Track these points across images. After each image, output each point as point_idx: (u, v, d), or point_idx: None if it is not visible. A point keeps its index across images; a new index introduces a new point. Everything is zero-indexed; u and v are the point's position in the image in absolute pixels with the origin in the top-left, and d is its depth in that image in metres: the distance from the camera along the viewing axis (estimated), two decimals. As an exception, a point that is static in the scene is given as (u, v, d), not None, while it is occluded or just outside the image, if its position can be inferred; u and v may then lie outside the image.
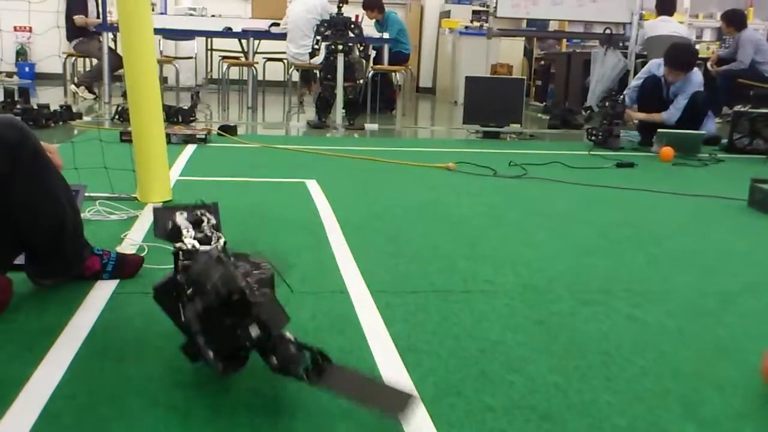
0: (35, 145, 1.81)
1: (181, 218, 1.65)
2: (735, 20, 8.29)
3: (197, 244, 1.55)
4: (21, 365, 1.53)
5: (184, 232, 1.59)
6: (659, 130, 5.53)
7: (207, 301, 1.34)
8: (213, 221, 1.70)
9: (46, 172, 1.84)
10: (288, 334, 1.38)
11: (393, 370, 1.58)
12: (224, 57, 8.62)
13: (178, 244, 1.56)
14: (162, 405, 1.38)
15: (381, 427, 1.34)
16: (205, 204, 1.78)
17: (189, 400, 1.40)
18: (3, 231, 1.83)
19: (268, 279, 1.53)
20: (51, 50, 10.94)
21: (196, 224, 1.66)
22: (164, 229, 1.66)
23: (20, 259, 1.94)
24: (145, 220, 2.81)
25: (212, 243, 1.58)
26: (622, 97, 5.85)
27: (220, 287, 1.33)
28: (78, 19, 8.11)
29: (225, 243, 1.63)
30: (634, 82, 6.17)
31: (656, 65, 5.92)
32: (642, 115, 5.85)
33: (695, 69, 5.75)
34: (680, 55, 5.70)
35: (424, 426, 1.35)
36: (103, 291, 1.99)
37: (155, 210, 1.71)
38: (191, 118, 6.05)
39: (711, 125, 6.04)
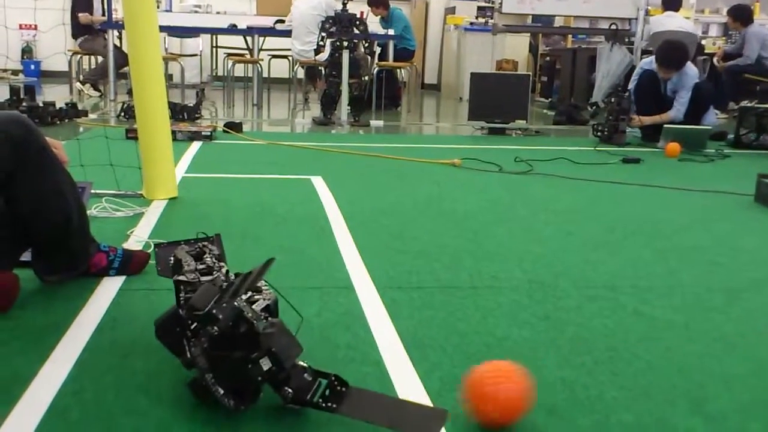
0: (41, 142, 1.81)
1: (181, 252, 1.63)
2: (741, 15, 8.27)
3: (199, 276, 1.51)
4: (28, 361, 1.53)
5: (185, 265, 1.56)
6: (665, 125, 5.51)
7: (213, 335, 1.29)
8: (216, 252, 1.68)
9: (52, 168, 1.84)
10: (301, 363, 1.34)
11: (399, 365, 1.58)
12: (229, 54, 8.63)
13: (178, 277, 1.53)
14: (168, 401, 1.38)
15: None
16: (207, 236, 1.77)
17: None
18: (9, 227, 1.84)
19: (273, 305, 1.48)
20: (56, 48, 10.97)
21: (198, 257, 1.63)
22: (166, 265, 1.64)
23: (26, 256, 1.94)
24: (151, 216, 2.81)
25: (215, 273, 1.54)
26: (627, 93, 5.83)
27: (226, 319, 1.29)
28: (83, 17, 8.12)
29: (227, 272, 1.60)
30: (631, 85, 6.07)
31: (647, 62, 5.90)
32: (650, 119, 5.76)
33: (688, 62, 5.72)
34: (672, 53, 5.66)
35: (431, 421, 1.35)
36: (109, 287, 2.00)
37: (156, 250, 1.71)
38: (196, 115, 6.06)
39: (712, 117, 6.02)
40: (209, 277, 1.52)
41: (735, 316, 1.99)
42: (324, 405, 1.30)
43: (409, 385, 1.49)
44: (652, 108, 5.76)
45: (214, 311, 1.30)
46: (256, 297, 1.47)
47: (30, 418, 1.31)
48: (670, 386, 1.54)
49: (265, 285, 1.54)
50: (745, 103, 5.99)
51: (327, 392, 1.32)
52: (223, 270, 1.60)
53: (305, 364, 1.34)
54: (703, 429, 1.37)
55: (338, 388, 1.33)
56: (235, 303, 1.32)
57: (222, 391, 1.30)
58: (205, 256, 1.63)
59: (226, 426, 1.30)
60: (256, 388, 1.33)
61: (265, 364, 1.27)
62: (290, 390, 1.31)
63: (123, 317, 1.80)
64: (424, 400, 1.43)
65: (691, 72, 5.69)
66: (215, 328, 1.29)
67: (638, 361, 1.66)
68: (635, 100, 5.89)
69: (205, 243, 1.70)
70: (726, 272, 2.40)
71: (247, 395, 1.32)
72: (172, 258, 1.63)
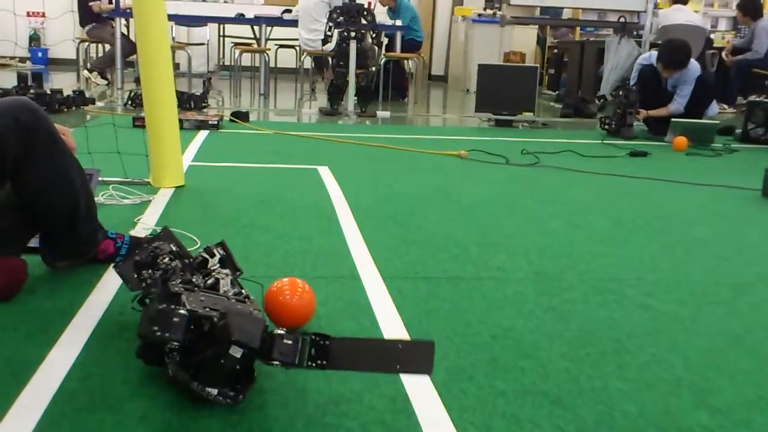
0: (49, 128, 1.82)
1: (140, 259, 1.58)
2: (751, 9, 8.22)
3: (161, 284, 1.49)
4: (36, 346, 1.54)
5: (147, 278, 1.54)
6: (673, 119, 5.49)
7: (179, 349, 1.29)
8: (169, 248, 1.63)
9: (60, 154, 1.84)
10: (277, 330, 1.32)
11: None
12: (236, 43, 8.62)
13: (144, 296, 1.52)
14: (175, 387, 1.39)
15: (392, 409, 1.35)
16: (157, 234, 1.74)
17: (202, 382, 1.41)
18: (18, 213, 1.84)
19: (229, 279, 1.50)
20: (64, 35, 10.98)
21: (152, 264, 1.59)
22: (134, 280, 1.60)
23: (34, 242, 1.95)
24: (158, 204, 2.82)
25: (172, 276, 1.51)
26: (636, 86, 5.81)
27: (180, 331, 1.28)
28: (95, 5, 8.13)
29: (189, 261, 1.58)
30: (631, 81, 6.02)
31: (646, 57, 5.86)
32: (654, 112, 5.76)
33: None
34: (674, 53, 5.63)
35: (436, 410, 1.36)
36: (116, 274, 2.00)
37: (117, 270, 1.67)
38: (203, 105, 6.06)
39: (714, 109, 6.00)
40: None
41: (741, 310, 1.99)
42: (314, 365, 1.29)
43: (414, 375, 1.49)
44: (653, 102, 5.74)
45: (167, 335, 1.27)
46: (219, 277, 1.49)
47: (38, 403, 1.31)
48: (675, 379, 1.54)
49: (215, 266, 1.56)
50: (753, 98, 5.96)
51: (313, 351, 1.30)
52: (178, 265, 1.57)
53: (281, 330, 1.32)
54: (707, 422, 1.37)
55: (322, 343, 1.30)
56: (182, 311, 1.29)
57: (215, 392, 1.30)
58: (158, 260, 1.60)
59: (234, 411, 1.31)
60: (245, 374, 1.33)
61: (236, 352, 1.25)
62: (277, 361, 1.29)
63: (130, 303, 1.81)
64: (430, 390, 1.44)
65: (693, 67, 5.67)
66: (174, 344, 1.29)
67: (643, 353, 1.66)
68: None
69: (156, 245, 1.65)
70: (732, 266, 2.39)
71: (241, 383, 1.32)
72: (134, 273, 1.61)
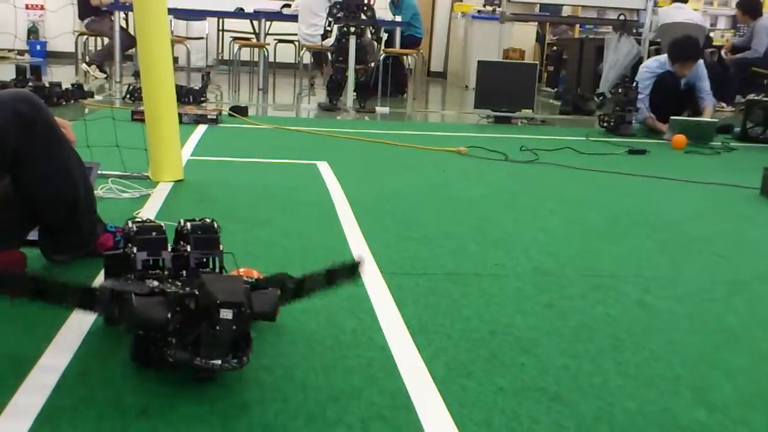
0: (49, 120, 1.81)
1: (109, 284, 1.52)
2: (750, 8, 8.22)
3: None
4: (34, 340, 1.54)
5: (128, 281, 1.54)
6: (672, 117, 5.49)
7: (174, 331, 1.32)
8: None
9: (59, 146, 1.84)
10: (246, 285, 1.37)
11: (404, 350, 1.59)
12: (235, 38, 8.61)
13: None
14: (174, 381, 1.39)
15: (392, 404, 1.35)
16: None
17: (201, 376, 1.41)
18: (17, 206, 1.84)
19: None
20: (63, 28, 10.95)
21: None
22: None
23: (33, 235, 1.95)
24: (157, 198, 2.82)
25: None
26: (635, 83, 5.80)
27: (165, 316, 1.32)
28: None
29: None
30: (642, 92, 5.73)
31: (659, 65, 5.79)
32: (693, 120, 5.54)
33: None
34: (687, 47, 5.65)
35: (436, 406, 1.36)
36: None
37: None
38: (202, 99, 6.05)
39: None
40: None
41: (738, 308, 1.99)
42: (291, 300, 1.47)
43: (414, 370, 1.50)
44: (672, 107, 5.68)
45: (159, 317, 1.31)
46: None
47: (36, 398, 1.32)
48: (673, 376, 1.55)
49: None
50: (752, 97, 5.95)
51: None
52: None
53: (248, 284, 1.39)
54: (705, 419, 1.37)
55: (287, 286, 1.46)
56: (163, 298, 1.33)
57: (219, 363, 1.31)
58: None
59: (234, 406, 1.31)
60: (244, 339, 1.35)
61: (227, 314, 1.29)
62: (266, 314, 1.40)
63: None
64: (430, 386, 1.44)
65: (700, 61, 5.72)
66: (167, 330, 1.31)
67: (642, 350, 1.67)
68: (655, 104, 5.70)
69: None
70: (730, 264, 2.40)
71: (241, 348, 1.34)
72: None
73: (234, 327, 1.30)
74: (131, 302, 1.32)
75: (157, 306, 1.33)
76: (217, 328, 1.29)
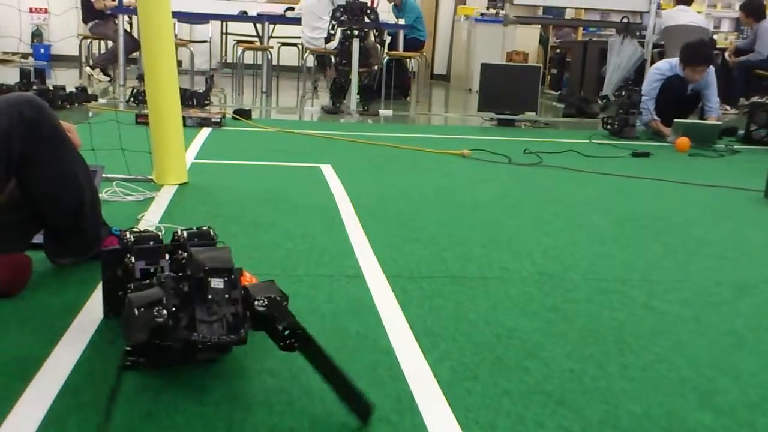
0: (54, 123, 1.81)
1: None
2: (754, 11, 8.22)
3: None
4: (41, 342, 1.54)
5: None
6: (676, 120, 5.49)
7: (182, 311, 1.32)
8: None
9: (64, 150, 1.84)
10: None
11: (409, 354, 1.59)
12: (239, 41, 8.62)
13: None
14: (180, 382, 1.39)
15: (398, 408, 1.35)
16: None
17: (206, 378, 1.41)
18: (22, 209, 1.84)
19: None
20: (67, 32, 10.98)
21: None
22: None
23: (39, 238, 1.95)
24: (161, 201, 2.82)
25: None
26: (639, 87, 5.81)
27: (165, 297, 1.31)
28: (97, 2, 8.14)
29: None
30: (649, 93, 5.75)
31: (667, 68, 5.78)
32: (692, 122, 5.59)
33: None
34: (700, 50, 5.63)
35: (441, 410, 1.36)
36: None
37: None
38: (206, 102, 6.06)
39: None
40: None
41: (744, 311, 1.99)
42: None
43: (419, 374, 1.50)
44: (678, 111, 5.68)
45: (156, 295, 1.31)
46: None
47: (43, 398, 1.32)
48: (679, 379, 1.54)
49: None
50: (755, 99, 5.95)
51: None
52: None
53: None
54: (711, 423, 1.37)
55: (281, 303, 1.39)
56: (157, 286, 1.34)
57: (231, 337, 1.31)
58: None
59: (239, 408, 1.31)
60: (241, 317, 1.34)
61: (218, 283, 1.31)
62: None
63: (134, 300, 1.81)
64: (435, 389, 1.44)
65: (711, 68, 5.71)
66: (164, 312, 1.30)
67: (648, 353, 1.66)
68: (659, 107, 5.70)
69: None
70: (735, 267, 2.39)
71: (238, 325, 1.32)
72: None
73: (227, 296, 1.31)
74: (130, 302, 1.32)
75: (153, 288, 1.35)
76: (209, 297, 1.30)
